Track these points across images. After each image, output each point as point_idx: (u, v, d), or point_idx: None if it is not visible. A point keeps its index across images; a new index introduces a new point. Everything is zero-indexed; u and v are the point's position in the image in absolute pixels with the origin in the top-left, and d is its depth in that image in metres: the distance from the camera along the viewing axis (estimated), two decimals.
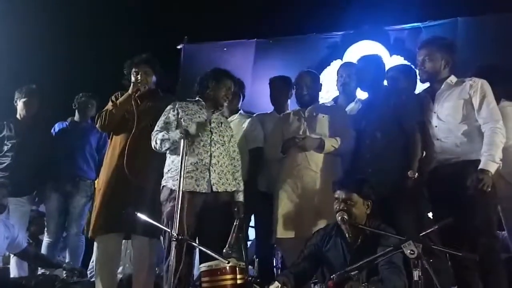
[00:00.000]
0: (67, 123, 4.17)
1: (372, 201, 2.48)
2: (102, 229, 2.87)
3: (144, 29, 6.18)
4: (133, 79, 3.08)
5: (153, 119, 2.89)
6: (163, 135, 2.72)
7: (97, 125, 3.09)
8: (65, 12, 5.68)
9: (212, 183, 2.69)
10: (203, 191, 2.67)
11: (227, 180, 2.77)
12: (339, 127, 3.03)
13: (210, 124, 2.79)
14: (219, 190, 2.71)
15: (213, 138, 2.77)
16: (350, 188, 2.47)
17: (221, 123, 2.90)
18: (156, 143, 2.74)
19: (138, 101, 3.03)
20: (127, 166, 2.84)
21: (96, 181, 3.73)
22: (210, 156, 2.72)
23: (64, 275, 3.50)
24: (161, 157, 2.83)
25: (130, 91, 3.02)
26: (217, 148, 2.77)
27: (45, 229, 3.98)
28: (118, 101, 3.02)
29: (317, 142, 2.96)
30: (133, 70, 3.09)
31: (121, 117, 3.02)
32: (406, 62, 4.58)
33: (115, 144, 3.03)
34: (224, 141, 2.83)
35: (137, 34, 6.08)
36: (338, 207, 2.44)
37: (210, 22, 6.20)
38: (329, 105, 3.38)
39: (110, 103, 3.10)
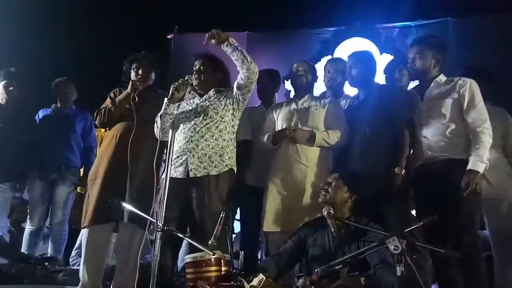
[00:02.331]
0: (51, 110, 4.10)
1: (358, 195, 2.51)
2: (97, 219, 2.81)
3: (134, 17, 6.11)
4: (133, 75, 3.04)
5: (151, 115, 2.82)
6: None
7: (96, 122, 3.08)
8: None
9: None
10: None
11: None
12: (333, 119, 3.00)
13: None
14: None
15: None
16: (338, 174, 2.57)
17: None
18: (156, 128, 2.72)
19: (137, 98, 2.98)
20: (130, 158, 2.83)
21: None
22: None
23: (46, 264, 3.46)
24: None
25: (129, 90, 2.97)
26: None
27: (28, 217, 3.93)
28: (117, 99, 2.97)
29: (308, 134, 2.93)
30: (134, 65, 3.05)
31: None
32: None
33: (110, 137, 2.98)
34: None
35: (126, 22, 6.00)
36: (320, 186, 2.55)
37: (201, 12, 6.14)
38: (324, 97, 3.30)
39: (108, 100, 3.04)
